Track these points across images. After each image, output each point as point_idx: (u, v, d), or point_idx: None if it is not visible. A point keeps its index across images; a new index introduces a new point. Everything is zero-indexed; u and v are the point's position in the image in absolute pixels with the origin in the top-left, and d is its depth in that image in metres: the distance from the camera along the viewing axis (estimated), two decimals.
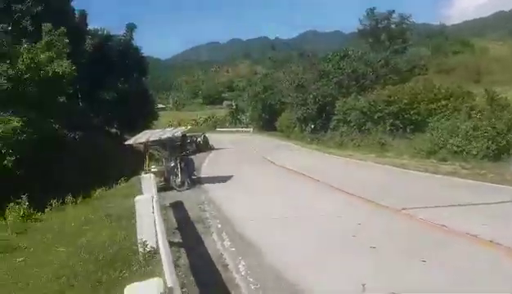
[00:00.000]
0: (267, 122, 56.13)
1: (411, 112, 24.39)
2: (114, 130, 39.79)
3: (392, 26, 56.66)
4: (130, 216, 10.64)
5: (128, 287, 3.29)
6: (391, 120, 25.58)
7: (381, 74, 35.08)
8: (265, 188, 15.52)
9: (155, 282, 3.28)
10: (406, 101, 24.72)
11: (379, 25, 55.91)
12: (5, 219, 13.09)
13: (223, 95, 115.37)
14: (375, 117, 26.76)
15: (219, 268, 7.14)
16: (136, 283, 3.39)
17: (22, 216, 13.03)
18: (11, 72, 19.08)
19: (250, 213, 11.12)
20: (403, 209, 10.13)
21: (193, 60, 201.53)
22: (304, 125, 38.39)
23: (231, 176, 18.48)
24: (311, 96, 35.71)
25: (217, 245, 8.51)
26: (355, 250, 7.59)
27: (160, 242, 5.21)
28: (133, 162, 24.87)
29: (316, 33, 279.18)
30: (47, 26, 26.18)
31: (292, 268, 6.84)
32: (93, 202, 15.27)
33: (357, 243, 7.93)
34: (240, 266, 7.14)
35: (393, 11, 56.64)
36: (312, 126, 36.42)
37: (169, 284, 3.47)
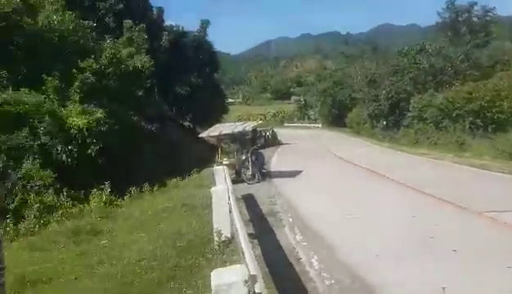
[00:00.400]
0: (337, 117, 55.35)
1: (493, 110, 22.90)
2: (186, 123, 41.22)
3: (474, 19, 53.15)
4: (204, 205, 11.04)
5: (214, 271, 3.43)
6: (470, 118, 24.20)
7: (460, 70, 33.07)
8: (335, 184, 15.32)
9: (240, 269, 3.39)
10: (488, 98, 23.24)
11: (460, 18, 52.61)
12: (88, 204, 14.06)
13: (292, 90, 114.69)
14: (454, 114, 25.45)
15: (292, 261, 7.18)
16: (221, 269, 3.52)
17: (104, 202, 13.94)
18: (95, 66, 20.30)
19: (321, 209, 11.06)
20: (485, 212, 9.56)
21: (263, 55, 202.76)
22: (376, 121, 37.39)
23: (300, 171, 18.44)
24: (383, 92, 34.65)
25: (290, 238, 8.57)
26: (433, 251, 7.29)
27: (240, 232, 5.34)
28: (204, 155, 25.70)
29: (391, 27, 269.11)
30: (127, 23, 27.70)
31: (366, 267, 6.72)
32: (169, 191, 15.96)
33: (436, 245, 7.60)
34: (312, 260, 7.14)
35: (475, 3, 53.04)
36: (384, 123, 35.38)
37: (252, 272, 3.56)
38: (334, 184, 15.39)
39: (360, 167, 19.44)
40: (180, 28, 39.94)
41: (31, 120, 16.96)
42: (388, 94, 34.24)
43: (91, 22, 24.57)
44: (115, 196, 14.77)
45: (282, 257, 7.39)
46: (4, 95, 16.66)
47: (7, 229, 11.37)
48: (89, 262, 8.13)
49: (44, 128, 16.96)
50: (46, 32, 20.37)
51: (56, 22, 21.00)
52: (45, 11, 21.95)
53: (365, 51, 68.12)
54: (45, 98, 17.81)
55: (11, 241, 10.46)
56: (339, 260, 7.15)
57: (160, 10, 38.05)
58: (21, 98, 16.88)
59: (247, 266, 3.81)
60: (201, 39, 40.67)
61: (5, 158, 15.55)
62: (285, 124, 69.29)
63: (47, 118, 17.12)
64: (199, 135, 19.55)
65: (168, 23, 39.39)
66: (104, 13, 29.95)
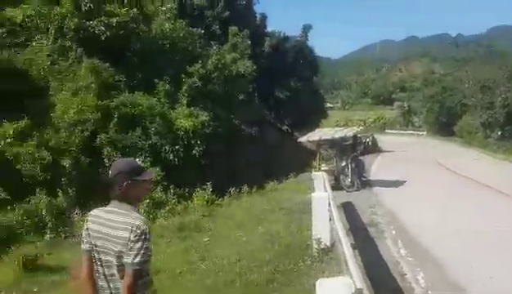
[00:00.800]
0: (444, 125, 51.76)
1: None
2: (285, 127, 41.48)
3: None
4: (302, 210, 10.98)
5: (318, 281, 3.34)
6: None
7: None
8: (441, 196, 14.27)
9: (346, 281, 3.26)
10: None
11: None
12: (192, 202, 14.73)
13: (394, 95, 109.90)
14: None
15: (396, 276, 6.82)
16: (326, 279, 3.42)
17: (206, 201, 14.51)
18: (201, 71, 21.28)
19: (427, 221, 10.41)
20: None
21: (365, 59, 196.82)
22: (489, 131, 34.40)
23: (404, 182, 17.56)
24: (499, 99, 31.78)
25: (393, 252, 8.17)
26: None
27: (343, 241, 5.18)
28: (301, 159, 25.65)
29: (510, 28, 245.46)
30: (233, 30, 28.67)
31: (479, 290, 6.15)
32: (267, 194, 16.13)
33: None
34: (418, 277, 6.72)
35: None
36: (499, 133, 32.39)
37: (358, 285, 3.41)
38: (439, 195, 14.36)
39: (469, 178, 17.99)
40: (282, 33, 40.39)
41: (144, 121, 18.22)
42: (504, 101, 31.37)
43: (199, 29, 25.79)
44: (216, 195, 15.27)
45: (385, 271, 7.05)
46: (121, 98, 18.14)
47: None
48: (192, 258, 8.47)
49: (155, 129, 18.10)
50: (159, 39, 21.82)
51: (168, 30, 22.38)
52: (159, 19, 23.54)
53: (478, 54, 63.21)
54: (156, 101, 19.05)
55: None
56: (448, 278, 6.64)
57: (263, 16, 38.81)
58: (136, 100, 18.22)
59: (352, 278, 3.66)
60: (302, 44, 40.69)
61: (120, 156, 16.90)
62: (387, 131, 66.50)
63: (157, 119, 18.27)
64: (299, 140, 19.55)
65: (270, 29, 40.06)
66: (211, 21, 31.34)
